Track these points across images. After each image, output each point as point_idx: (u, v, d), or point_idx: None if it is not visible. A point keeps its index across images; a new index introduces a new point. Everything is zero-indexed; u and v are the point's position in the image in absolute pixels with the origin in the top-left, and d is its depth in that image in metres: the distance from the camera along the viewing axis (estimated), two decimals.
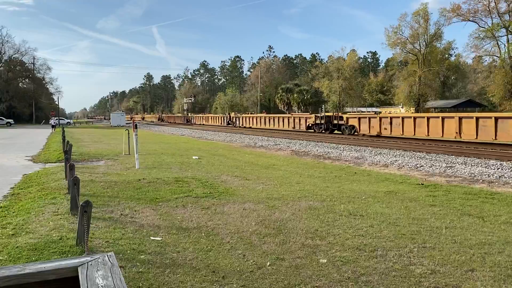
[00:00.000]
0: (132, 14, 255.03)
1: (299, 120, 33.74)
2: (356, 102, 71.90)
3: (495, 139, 17.51)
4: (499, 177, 10.52)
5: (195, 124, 61.78)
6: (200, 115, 70.98)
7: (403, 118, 22.82)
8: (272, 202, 7.51)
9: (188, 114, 74.86)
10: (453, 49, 71.25)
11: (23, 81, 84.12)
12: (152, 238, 5.38)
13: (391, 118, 23.88)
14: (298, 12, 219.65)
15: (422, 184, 9.63)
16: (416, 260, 4.55)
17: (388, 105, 72.73)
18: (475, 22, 52.09)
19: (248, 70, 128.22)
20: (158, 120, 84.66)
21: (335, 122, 28.70)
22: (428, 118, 21.14)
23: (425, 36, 57.92)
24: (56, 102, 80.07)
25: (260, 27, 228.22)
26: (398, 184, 9.61)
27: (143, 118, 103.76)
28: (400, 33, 59.38)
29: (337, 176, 10.81)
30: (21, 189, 9.14)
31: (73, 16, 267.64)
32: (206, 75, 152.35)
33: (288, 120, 35.54)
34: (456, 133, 19.22)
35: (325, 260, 4.57)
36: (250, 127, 41.69)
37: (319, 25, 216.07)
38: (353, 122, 26.82)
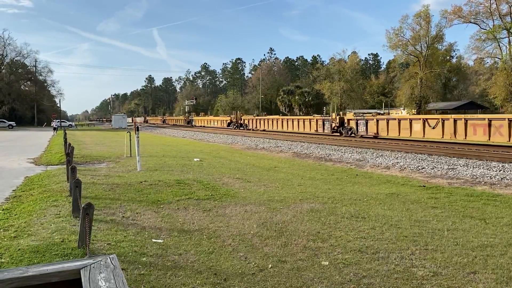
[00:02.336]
0: (132, 16, 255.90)
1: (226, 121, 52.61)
2: (358, 104, 71.75)
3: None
4: (501, 179, 10.49)
5: (168, 124, 78.37)
6: (172, 117, 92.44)
7: (259, 119, 43.58)
8: (274, 204, 7.51)
9: (163, 117, 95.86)
10: (454, 51, 71.28)
11: (25, 83, 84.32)
12: (153, 240, 5.38)
13: (253, 119, 44.40)
14: (299, 14, 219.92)
15: (424, 186, 9.62)
16: (418, 263, 4.55)
17: (390, 107, 72.56)
18: (476, 24, 51.94)
19: (249, 72, 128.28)
20: (144, 121, 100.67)
21: (240, 122, 47.20)
22: (269, 119, 41.19)
23: (427, 38, 57.73)
24: (58, 105, 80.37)
25: (261, 29, 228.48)
26: (399, 186, 9.60)
27: (132, 120, 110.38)
28: (402, 35, 59.21)
29: (339, 178, 10.80)
30: (23, 191, 9.16)
31: (73, 19, 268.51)
32: (208, 77, 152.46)
33: (223, 121, 54.48)
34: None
35: (327, 263, 4.56)
36: (204, 126, 58.79)
37: (319, 27, 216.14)
38: (243, 121, 46.55)
